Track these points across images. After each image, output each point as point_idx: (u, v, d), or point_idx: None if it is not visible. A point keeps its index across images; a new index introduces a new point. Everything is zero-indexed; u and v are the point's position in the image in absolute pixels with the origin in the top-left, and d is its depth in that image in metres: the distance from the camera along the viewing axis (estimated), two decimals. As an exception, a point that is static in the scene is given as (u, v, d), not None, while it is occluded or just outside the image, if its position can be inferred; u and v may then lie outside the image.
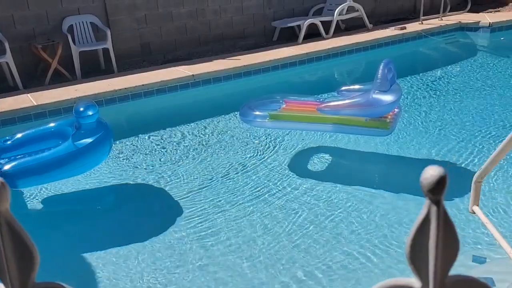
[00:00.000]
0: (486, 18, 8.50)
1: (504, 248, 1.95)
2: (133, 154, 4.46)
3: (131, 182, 3.91)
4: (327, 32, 7.85)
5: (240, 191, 3.59)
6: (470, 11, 8.99)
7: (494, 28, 8.17)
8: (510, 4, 10.05)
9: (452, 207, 3.05)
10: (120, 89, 5.64)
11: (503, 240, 1.99)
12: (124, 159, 4.36)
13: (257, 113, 3.82)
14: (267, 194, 3.50)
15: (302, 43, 7.56)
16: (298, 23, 7.81)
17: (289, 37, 8.06)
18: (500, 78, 6.28)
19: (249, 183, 3.70)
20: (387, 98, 3.40)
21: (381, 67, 3.44)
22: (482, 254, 2.67)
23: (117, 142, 4.64)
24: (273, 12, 8.27)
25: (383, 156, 4.10)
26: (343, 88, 4.11)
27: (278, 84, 6.53)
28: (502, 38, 8.07)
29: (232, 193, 3.57)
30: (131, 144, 4.71)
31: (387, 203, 3.28)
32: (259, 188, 3.59)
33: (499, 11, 9.56)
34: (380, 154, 4.11)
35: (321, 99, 4.09)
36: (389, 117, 3.63)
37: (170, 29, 7.41)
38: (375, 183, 3.65)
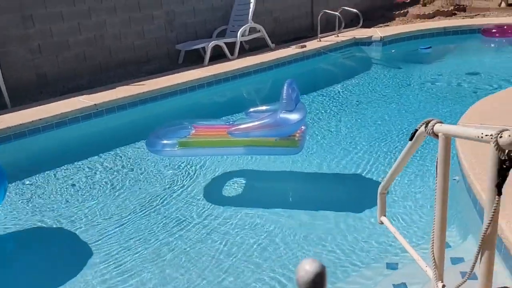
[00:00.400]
0: (377, 32, 9.14)
1: (412, 255, 2.04)
2: (34, 196, 4.10)
3: (34, 227, 3.58)
4: (232, 53, 7.94)
5: (159, 227, 3.41)
6: (363, 26, 9.61)
7: (385, 42, 8.81)
8: (397, 19, 10.94)
9: (362, 218, 3.16)
10: (14, 126, 5.21)
11: (410, 248, 2.07)
12: (24, 201, 4.00)
13: (165, 141, 3.70)
14: (187, 228, 3.35)
15: (209, 65, 7.57)
16: (202, 45, 7.82)
17: (195, 59, 8.04)
18: (395, 88, 6.75)
19: (168, 217, 3.54)
20: (294, 117, 3.48)
21: (285, 87, 3.52)
22: (394, 260, 2.79)
23: (15, 184, 4.26)
24: (176, 35, 8.21)
25: (296, 174, 4.17)
26: (251, 109, 4.15)
27: (187, 108, 6.44)
28: (393, 51, 8.72)
29: (150, 230, 3.37)
30: (32, 184, 4.34)
31: (306, 222, 3.31)
32: (179, 222, 3.44)
33: (388, 25, 10.35)
34: (293, 172, 4.18)
35: (231, 122, 4.08)
36: (297, 135, 3.72)
37: (68, 58, 7.04)
38: (292, 202, 3.70)
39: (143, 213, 3.63)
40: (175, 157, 4.39)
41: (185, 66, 7.72)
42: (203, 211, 3.58)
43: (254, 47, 8.72)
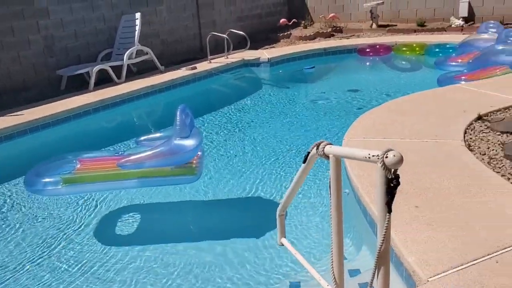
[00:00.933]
0: (265, 54, 9.45)
1: (313, 275, 2.06)
2: None
3: None
4: (119, 77, 7.64)
5: (51, 278, 3.06)
6: (250, 48, 9.88)
7: (272, 63, 9.13)
8: (282, 40, 11.44)
9: (264, 240, 3.16)
10: None
11: (311, 267, 2.09)
12: None
13: (47, 179, 3.35)
14: (82, 279, 3.05)
15: (94, 90, 7.18)
16: (86, 69, 7.41)
17: (79, 84, 7.58)
18: (285, 107, 6.99)
19: (57, 267, 3.19)
20: (189, 143, 3.39)
21: (178, 113, 3.42)
22: (296, 279, 2.81)
23: None
24: (57, 60, 7.69)
25: (195, 203, 4.05)
26: (143, 138, 3.95)
27: (72, 138, 6.01)
28: (280, 71, 9.06)
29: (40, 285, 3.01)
30: None
31: (209, 252, 3.22)
32: (68, 274, 3.11)
33: (274, 47, 10.77)
34: (191, 201, 4.05)
35: (121, 153, 3.85)
36: (194, 162, 3.62)
37: None
38: (192, 232, 3.58)
39: (32, 260, 3.25)
40: (61, 196, 4.01)
41: (68, 93, 7.24)
42: (103, 255, 3.28)
43: (143, 69, 8.50)
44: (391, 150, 1.36)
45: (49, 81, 7.62)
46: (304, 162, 1.83)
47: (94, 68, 7.30)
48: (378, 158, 1.39)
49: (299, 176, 1.98)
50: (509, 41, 6.99)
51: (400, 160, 1.34)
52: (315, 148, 1.74)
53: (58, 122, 6.06)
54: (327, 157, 1.69)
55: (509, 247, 2.30)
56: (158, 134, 3.91)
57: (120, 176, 3.46)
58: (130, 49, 7.86)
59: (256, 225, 3.50)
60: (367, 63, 9.42)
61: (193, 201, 4.06)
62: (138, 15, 8.28)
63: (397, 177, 1.37)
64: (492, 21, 8.61)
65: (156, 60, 8.34)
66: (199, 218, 3.92)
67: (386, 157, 1.36)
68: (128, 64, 7.88)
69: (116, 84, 7.50)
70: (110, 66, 7.58)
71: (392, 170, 1.37)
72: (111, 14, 8.51)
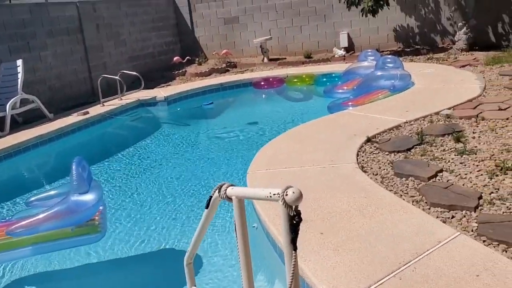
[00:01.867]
0: (161, 92, 9.35)
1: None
2: None
3: None
4: (2, 129, 7.02)
5: None
6: (146, 88, 9.72)
7: (169, 101, 9.04)
8: (177, 78, 11.43)
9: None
10: None
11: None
12: None
13: None
14: None
15: (-27, 145, 6.51)
16: (-38, 124, 6.72)
17: (-46, 141, 6.83)
18: (186, 146, 6.91)
19: None
20: (89, 198, 3.13)
21: (74, 167, 3.16)
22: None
23: None
24: None
25: (99, 265, 3.72)
26: (33, 198, 3.56)
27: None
28: (178, 109, 9.00)
29: None
30: None
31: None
32: None
33: (170, 85, 10.71)
34: (98, 263, 3.72)
35: (8, 219, 3.46)
36: (97, 218, 3.33)
37: None
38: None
39: None
40: None
41: None
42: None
43: (30, 118, 7.92)
44: (290, 187, 1.38)
45: None
46: (207, 207, 1.79)
47: (-28, 121, 6.66)
48: (279, 197, 1.39)
49: (204, 221, 1.93)
50: (386, 67, 7.69)
51: (300, 197, 1.36)
52: (217, 191, 1.72)
53: None
54: (230, 199, 1.67)
55: (408, 262, 2.44)
56: (52, 192, 3.56)
57: (12, 245, 3.06)
58: (13, 99, 7.30)
59: (164, 278, 3.32)
60: (263, 96, 9.74)
61: (95, 263, 3.71)
62: (19, 61, 7.77)
63: (298, 213, 1.38)
64: (370, 50, 9.42)
65: (43, 108, 7.83)
66: (101, 279, 3.61)
67: (286, 194, 1.37)
68: (12, 115, 7.30)
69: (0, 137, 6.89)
70: (-10, 118, 6.96)
71: (293, 207, 1.38)
72: (-12, 62, 7.88)
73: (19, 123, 7.81)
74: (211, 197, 1.75)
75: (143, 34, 12.14)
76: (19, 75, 7.61)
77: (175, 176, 5.51)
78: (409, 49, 10.84)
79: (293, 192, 1.36)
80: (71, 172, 3.17)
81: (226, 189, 1.67)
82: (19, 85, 7.53)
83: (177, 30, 13.58)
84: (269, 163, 4.36)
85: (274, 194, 1.43)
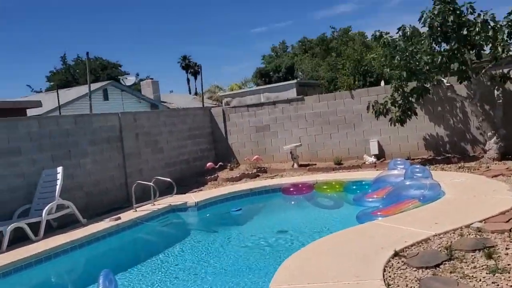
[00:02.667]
0: (192, 198, 9.53)
1: None
2: None
3: None
4: (36, 234, 7.24)
5: None
6: (178, 193, 9.95)
7: (200, 207, 9.17)
8: (209, 183, 11.70)
9: None
10: None
11: None
12: None
13: None
14: None
15: (8, 250, 6.70)
16: None
17: (-9, 245, 7.05)
18: (215, 253, 6.85)
19: None
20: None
21: (101, 281, 3.22)
22: None
23: None
24: (-33, 220, 7.23)
25: None
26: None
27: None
28: (207, 215, 9.08)
29: None
30: None
31: None
32: None
33: (201, 190, 10.94)
34: None
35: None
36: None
37: None
38: None
39: None
40: None
41: (-23, 255, 6.68)
42: None
43: (64, 223, 8.16)
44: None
45: (-44, 243, 7.04)
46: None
47: (8, 227, 6.90)
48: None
49: None
50: (415, 177, 7.67)
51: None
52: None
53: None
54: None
55: None
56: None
57: None
58: (49, 204, 7.61)
59: None
60: (292, 202, 9.75)
61: None
62: (60, 169, 8.23)
63: None
64: (399, 159, 9.48)
65: (77, 213, 8.10)
66: None
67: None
68: (47, 220, 7.56)
69: (33, 242, 7.07)
70: (27, 223, 7.22)
71: None
72: (31, 169, 8.39)
73: (53, 228, 8.04)
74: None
75: (179, 142, 12.73)
76: (58, 182, 8.01)
77: (201, 285, 5.41)
78: (440, 158, 10.81)
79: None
80: (98, 285, 3.22)
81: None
82: (57, 192, 7.89)
83: (212, 137, 14.19)
84: (292, 278, 4.26)
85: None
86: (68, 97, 22.45)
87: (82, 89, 22.78)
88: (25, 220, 7.32)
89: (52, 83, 37.38)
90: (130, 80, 21.41)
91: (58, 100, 17.87)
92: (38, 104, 14.64)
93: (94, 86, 22.49)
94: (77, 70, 38.75)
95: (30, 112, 15.30)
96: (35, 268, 6.34)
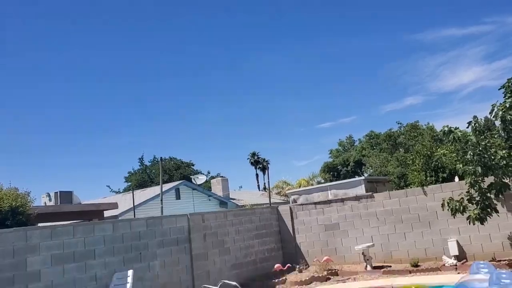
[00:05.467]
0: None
1: None
2: None
3: None
4: None
5: None
6: (244, 298, 9.61)
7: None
8: (277, 286, 11.24)
9: None
10: None
11: None
12: None
13: None
14: None
15: None
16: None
17: None
18: None
19: None
20: None
21: None
22: None
23: None
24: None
25: None
26: None
27: None
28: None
29: None
30: None
31: None
32: None
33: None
34: None
35: None
36: None
37: None
38: None
39: None
40: None
41: None
42: None
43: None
44: None
45: None
46: None
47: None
48: None
49: None
50: (501, 283, 6.90)
51: None
52: None
53: None
54: None
55: None
56: None
57: None
58: (118, 309, 7.64)
59: None
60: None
61: None
62: (130, 272, 8.36)
63: None
64: (482, 262, 8.67)
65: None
66: None
67: None
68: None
69: None
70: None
71: None
72: (103, 272, 8.59)
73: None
74: None
75: (246, 242, 12.61)
76: (128, 285, 8.09)
77: None
78: (531, 259, 9.77)
79: None
80: None
81: None
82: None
83: (279, 236, 13.94)
84: None
85: None
86: (143, 197, 23.49)
87: (157, 190, 23.79)
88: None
89: (129, 183, 39.51)
90: (201, 179, 22.08)
91: (133, 201, 18.72)
92: (114, 206, 15.43)
93: (167, 186, 23.45)
94: (153, 171, 40.87)
95: (107, 213, 16.09)
96: None
